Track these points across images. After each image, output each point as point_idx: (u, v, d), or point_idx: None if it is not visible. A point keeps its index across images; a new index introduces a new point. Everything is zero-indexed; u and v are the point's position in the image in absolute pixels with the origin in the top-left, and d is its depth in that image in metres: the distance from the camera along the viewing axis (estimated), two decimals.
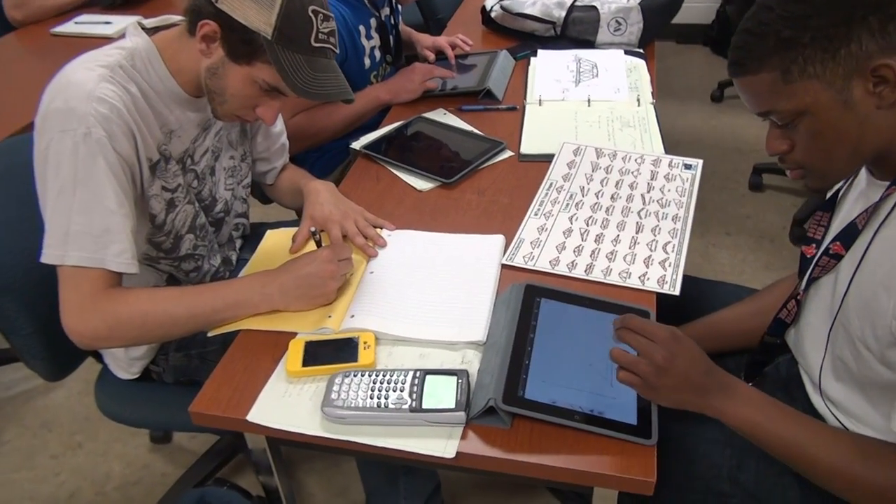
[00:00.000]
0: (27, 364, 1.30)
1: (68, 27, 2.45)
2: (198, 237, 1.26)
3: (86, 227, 1.00)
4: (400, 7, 1.92)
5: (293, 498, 1.20)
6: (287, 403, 0.95)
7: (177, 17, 1.12)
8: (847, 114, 0.80)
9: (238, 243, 1.45)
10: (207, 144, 1.23)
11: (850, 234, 0.89)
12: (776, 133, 0.87)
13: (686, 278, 1.38)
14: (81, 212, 0.99)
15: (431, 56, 1.93)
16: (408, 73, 1.71)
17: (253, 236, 1.47)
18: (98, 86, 1.00)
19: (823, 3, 0.78)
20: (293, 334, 1.06)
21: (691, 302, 1.32)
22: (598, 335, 1.00)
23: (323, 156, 1.85)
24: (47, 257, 1.00)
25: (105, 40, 2.37)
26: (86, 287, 1.01)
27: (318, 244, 1.13)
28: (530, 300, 1.05)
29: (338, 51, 1.12)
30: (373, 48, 1.77)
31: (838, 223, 0.97)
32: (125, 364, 1.33)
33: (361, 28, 1.71)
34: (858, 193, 0.94)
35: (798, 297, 1.01)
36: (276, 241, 1.29)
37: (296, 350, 1.01)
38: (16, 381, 2.07)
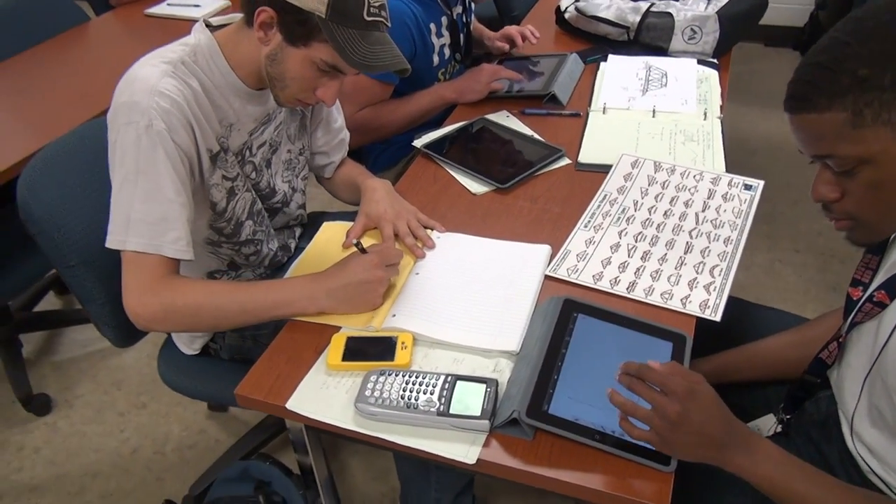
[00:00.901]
0: (99, 330, 1.40)
1: (161, 8, 2.57)
2: (256, 223, 1.33)
3: (145, 215, 1.07)
4: (473, 5, 1.94)
5: (331, 477, 1.26)
6: (324, 395, 1.01)
7: (241, 16, 1.18)
8: None
9: (297, 231, 1.52)
10: (265, 137, 1.29)
11: (895, 285, 0.86)
12: (828, 178, 0.83)
13: (733, 301, 1.36)
14: (142, 200, 1.06)
15: (505, 47, 1.95)
16: (475, 73, 1.73)
17: (312, 225, 1.53)
18: (160, 81, 1.07)
19: None
20: (337, 328, 1.11)
21: (737, 325, 1.31)
22: (630, 356, 1.01)
23: (388, 148, 1.90)
24: (111, 242, 1.08)
25: (192, 23, 2.51)
26: (146, 272, 1.08)
27: (362, 251, 1.17)
28: (567, 314, 1.06)
29: (389, 24, 1.14)
30: (442, 46, 1.80)
31: (887, 268, 0.94)
32: (187, 340, 1.42)
33: (432, 26, 1.74)
34: None
35: (840, 340, 0.99)
36: (331, 234, 1.34)
37: (338, 344, 1.06)
38: (92, 339, 2.22)
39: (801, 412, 1.12)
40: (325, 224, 1.38)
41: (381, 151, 1.92)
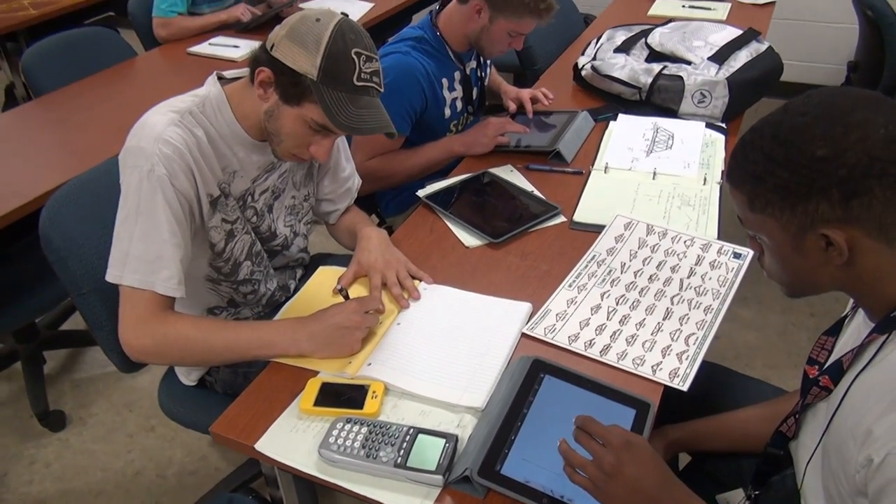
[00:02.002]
0: (107, 355, 1.48)
1: (203, 48, 2.72)
2: (254, 263, 1.39)
3: (142, 253, 1.14)
4: (489, 61, 2.01)
5: None
6: (293, 438, 1.05)
7: None
8: (799, 257, 0.83)
9: (298, 272, 1.58)
10: (268, 184, 1.36)
11: (836, 371, 0.88)
12: (751, 237, 0.90)
13: (715, 368, 1.38)
14: (140, 239, 1.14)
15: (513, 107, 2.01)
16: (482, 127, 1.78)
17: (315, 266, 1.59)
18: (166, 129, 1.15)
19: (794, 159, 0.78)
20: (315, 373, 1.16)
21: (716, 393, 1.31)
22: None
23: (399, 195, 1.96)
24: (110, 276, 1.16)
25: (231, 63, 2.65)
26: (140, 307, 1.15)
27: (346, 298, 1.22)
28: (534, 375, 1.09)
29: (382, 89, 1.20)
30: (454, 99, 1.86)
31: (836, 351, 0.95)
32: (185, 371, 1.49)
33: (444, 80, 1.81)
34: (854, 327, 0.92)
35: (796, 416, 1.00)
36: (324, 279, 1.40)
37: (312, 388, 1.11)
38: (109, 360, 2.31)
39: (769, 487, 1.12)
40: (320, 269, 1.44)
41: (393, 198, 1.98)
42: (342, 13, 1.18)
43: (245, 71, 1.29)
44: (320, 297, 1.34)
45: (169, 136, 1.16)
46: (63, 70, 2.48)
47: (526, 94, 1.99)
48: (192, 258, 1.27)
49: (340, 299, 1.25)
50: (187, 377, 1.49)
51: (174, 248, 1.16)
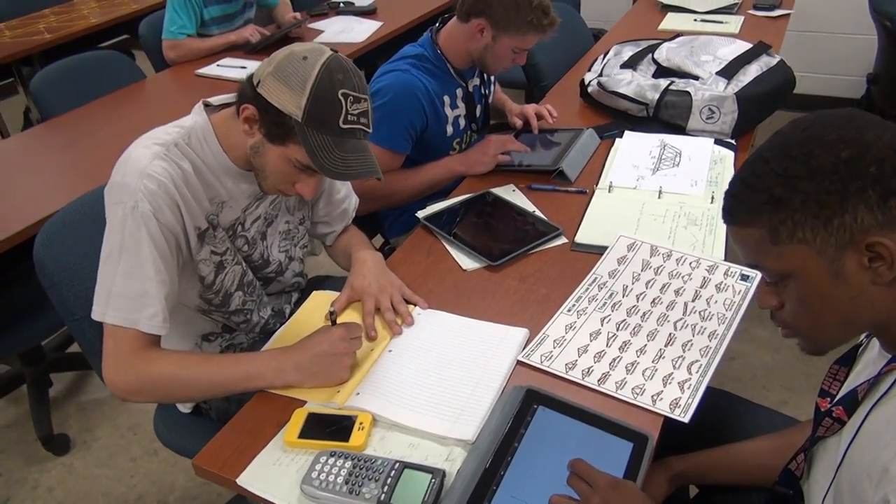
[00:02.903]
0: (102, 381, 1.46)
1: (211, 69, 2.73)
2: (246, 293, 1.37)
3: (125, 290, 1.12)
4: (493, 77, 1.98)
5: None
6: (276, 472, 1.01)
7: None
8: (838, 285, 0.74)
9: (294, 297, 1.56)
10: (260, 212, 1.33)
11: (851, 402, 0.82)
12: (766, 288, 0.82)
13: (726, 395, 1.32)
14: (123, 276, 1.12)
15: (519, 123, 1.97)
16: (483, 145, 1.75)
17: (310, 290, 1.56)
18: (150, 163, 1.13)
19: (819, 167, 0.72)
20: (303, 403, 1.12)
21: (722, 422, 1.26)
22: (586, 454, 0.98)
23: (402, 215, 1.93)
24: (94, 313, 1.14)
25: (237, 85, 2.64)
26: (123, 344, 1.13)
27: (333, 323, 1.19)
28: (527, 406, 1.05)
29: (370, 130, 1.16)
30: (457, 117, 1.84)
31: (850, 381, 0.89)
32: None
33: (446, 98, 1.79)
34: (870, 358, 0.86)
35: (806, 452, 0.94)
36: (318, 304, 1.37)
37: (297, 420, 1.08)
38: None
39: None
40: (314, 293, 1.41)
41: (396, 218, 1.96)
42: (332, 49, 1.14)
43: (233, 97, 1.27)
44: (313, 322, 1.31)
45: (153, 170, 1.13)
46: (72, 93, 2.50)
47: (531, 109, 1.96)
48: (182, 290, 1.25)
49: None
50: (183, 405, 1.47)
51: (159, 284, 1.14)
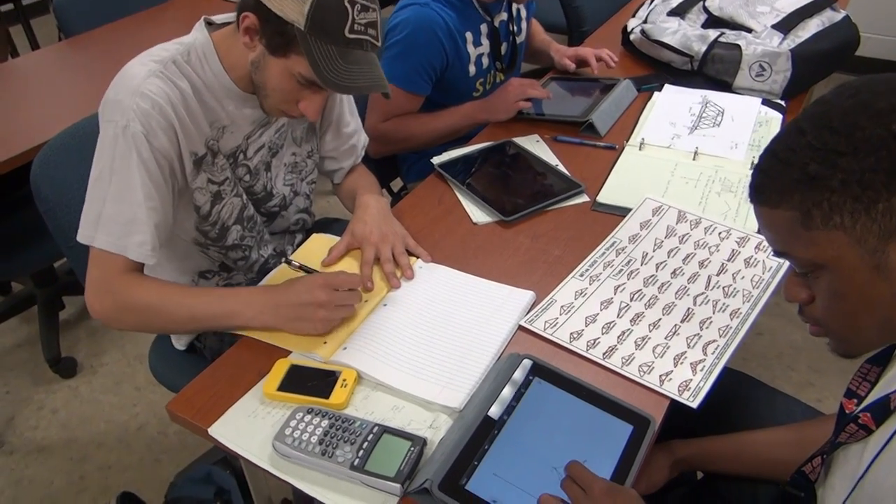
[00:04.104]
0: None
1: None
2: (245, 228, 1.30)
3: (115, 215, 1.06)
4: (523, 13, 1.83)
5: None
6: (251, 424, 0.96)
7: None
8: (879, 280, 0.64)
9: (298, 237, 1.49)
10: (264, 140, 1.25)
11: (881, 410, 0.72)
12: (795, 280, 0.72)
13: (742, 377, 1.23)
14: (114, 200, 1.06)
15: (571, 66, 1.84)
16: (502, 91, 1.63)
17: (316, 232, 1.49)
18: (145, 81, 1.05)
19: (864, 141, 0.61)
20: (288, 353, 1.06)
21: (737, 405, 1.17)
22: (580, 434, 0.91)
23: (420, 160, 1.83)
24: (81, 236, 1.09)
25: None
26: (107, 269, 1.08)
27: (306, 272, 1.12)
28: (522, 377, 0.97)
29: (379, 43, 1.07)
30: (480, 55, 1.71)
31: (883, 385, 0.79)
32: (176, 337, 1.42)
33: (469, 34, 1.66)
34: None
35: (824, 456, 0.85)
36: (316, 247, 1.29)
37: (279, 371, 1.02)
38: None
39: None
40: (313, 236, 1.34)
41: (415, 162, 1.86)
42: None
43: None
44: (311, 265, 1.24)
45: (148, 89, 1.06)
46: (95, 12, 2.42)
47: (588, 51, 1.81)
48: (178, 221, 1.19)
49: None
50: (178, 341, 1.42)
51: (149, 211, 1.08)
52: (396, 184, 2.05)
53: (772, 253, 0.72)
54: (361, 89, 1.06)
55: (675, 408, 0.98)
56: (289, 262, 1.19)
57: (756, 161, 0.71)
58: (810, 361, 2.09)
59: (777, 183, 0.67)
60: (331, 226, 1.61)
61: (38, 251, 1.96)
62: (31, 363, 2.16)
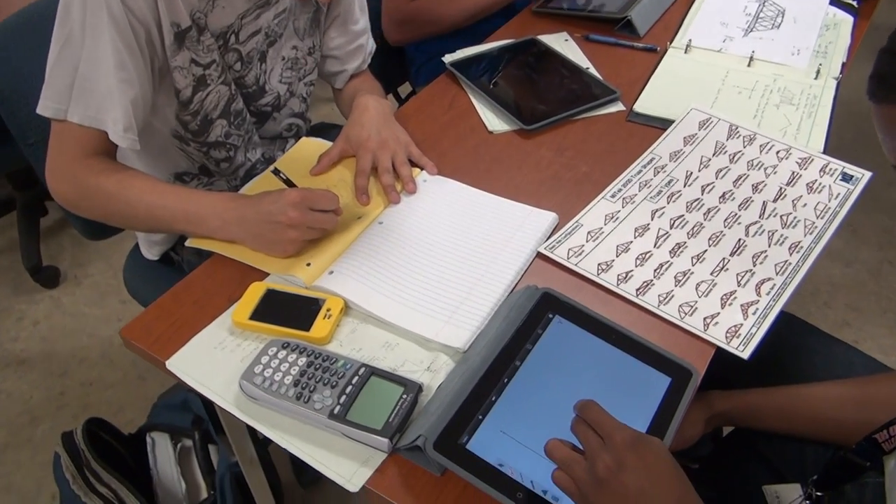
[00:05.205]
0: (70, 221, 1.28)
1: None
2: (232, 124, 1.12)
3: (92, 84, 0.91)
4: None
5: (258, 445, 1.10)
6: (216, 358, 0.81)
7: None
8: None
9: (289, 143, 1.31)
10: (261, 24, 1.06)
11: None
12: None
13: (795, 321, 1.06)
14: (88, 63, 0.90)
15: None
16: None
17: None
18: None
19: None
20: (264, 276, 0.91)
21: (788, 353, 1.01)
22: (608, 388, 0.76)
23: (431, 60, 1.62)
24: (45, 108, 0.93)
25: None
26: (73, 148, 0.95)
27: (288, 184, 0.95)
28: (540, 313, 0.81)
29: None
30: None
31: None
32: (146, 245, 1.28)
33: None
34: None
35: None
36: (305, 154, 1.12)
37: (252, 296, 0.86)
38: None
39: (839, 495, 0.84)
40: (303, 139, 1.16)
41: (425, 62, 1.66)
42: None
43: None
44: (295, 174, 1.07)
45: None
46: None
47: None
48: (158, 106, 1.03)
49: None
50: (148, 250, 1.28)
51: (121, 83, 0.92)
52: (405, 89, 1.85)
53: (892, 161, 0.55)
54: None
55: (717, 353, 0.83)
56: (276, 172, 1.02)
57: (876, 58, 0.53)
58: (848, 300, 1.92)
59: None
60: (328, 132, 1.43)
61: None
62: (11, 271, 2.03)
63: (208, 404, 1.21)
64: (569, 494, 0.61)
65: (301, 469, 1.50)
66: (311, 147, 1.13)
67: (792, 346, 1.02)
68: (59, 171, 0.97)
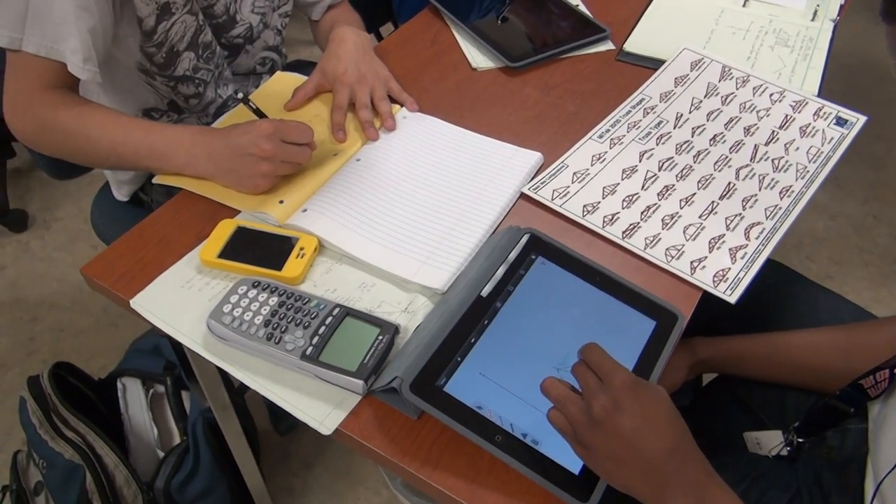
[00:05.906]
0: (36, 160, 1.22)
1: None
2: (200, 58, 1.06)
3: (47, 10, 0.85)
4: None
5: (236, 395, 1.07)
6: (182, 297, 0.78)
7: None
8: None
9: (263, 80, 1.24)
10: None
11: None
12: None
13: (781, 268, 1.04)
14: None
15: None
16: None
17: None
18: None
19: None
20: (234, 213, 0.86)
21: (773, 299, 0.99)
22: (591, 330, 0.73)
23: None
24: (0, 38, 0.86)
25: None
26: (30, 80, 0.89)
27: (259, 115, 0.91)
28: (523, 255, 0.78)
29: None
30: None
31: None
32: (115, 185, 1.22)
33: None
34: None
35: (894, 370, 0.68)
36: (280, 88, 1.06)
37: (221, 233, 0.82)
38: None
39: (820, 441, 0.83)
40: (277, 74, 1.11)
41: None
42: None
43: None
44: (267, 109, 1.01)
45: None
46: None
47: None
48: (120, 37, 0.97)
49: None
50: (118, 190, 1.22)
51: (78, 10, 0.86)
52: (386, 29, 1.78)
53: None
54: None
55: (702, 300, 0.80)
56: (246, 102, 0.96)
57: None
58: (831, 253, 1.92)
59: None
60: (305, 69, 1.36)
61: None
62: None
63: (179, 349, 1.18)
64: (562, 434, 0.59)
65: (279, 417, 1.48)
66: (286, 81, 1.07)
67: (778, 293, 1.00)
68: (16, 105, 0.91)
